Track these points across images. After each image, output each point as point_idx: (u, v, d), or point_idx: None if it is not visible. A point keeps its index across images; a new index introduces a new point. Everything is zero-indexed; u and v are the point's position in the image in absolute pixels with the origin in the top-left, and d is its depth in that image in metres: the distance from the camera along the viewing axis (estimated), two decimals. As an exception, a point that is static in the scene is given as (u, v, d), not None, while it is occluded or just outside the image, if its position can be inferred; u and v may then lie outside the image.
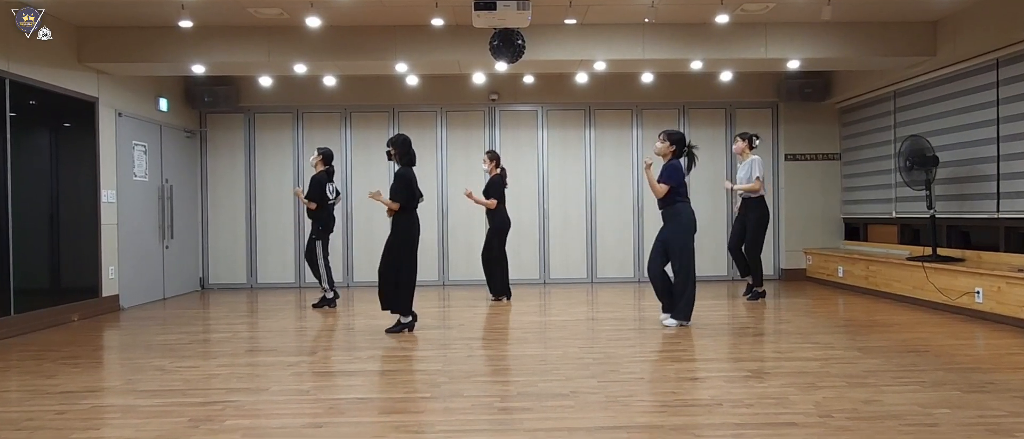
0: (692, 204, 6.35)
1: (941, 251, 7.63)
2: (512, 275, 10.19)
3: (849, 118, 10.12)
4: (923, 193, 7.62)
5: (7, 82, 6.52)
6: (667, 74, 9.77)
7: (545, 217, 10.35)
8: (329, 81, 9.64)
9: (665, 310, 6.41)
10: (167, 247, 9.30)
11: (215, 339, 6.37)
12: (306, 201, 7.93)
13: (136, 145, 8.67)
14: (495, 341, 6.08)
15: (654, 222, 10.28)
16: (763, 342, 5.76)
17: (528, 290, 9.48)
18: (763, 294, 8.19)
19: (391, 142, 6.38)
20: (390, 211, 6.23)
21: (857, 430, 3.45)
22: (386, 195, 6.28)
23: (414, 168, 6.37)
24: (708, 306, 7.75)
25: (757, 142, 8.13)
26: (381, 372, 4.88)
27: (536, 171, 10.35)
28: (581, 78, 9.58)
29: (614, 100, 10.29)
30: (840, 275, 9.29)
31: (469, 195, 8.30)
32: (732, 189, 8.13)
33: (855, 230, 10.13)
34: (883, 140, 9.17)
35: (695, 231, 6.29)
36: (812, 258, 10.16)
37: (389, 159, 6.41)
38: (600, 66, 8.35)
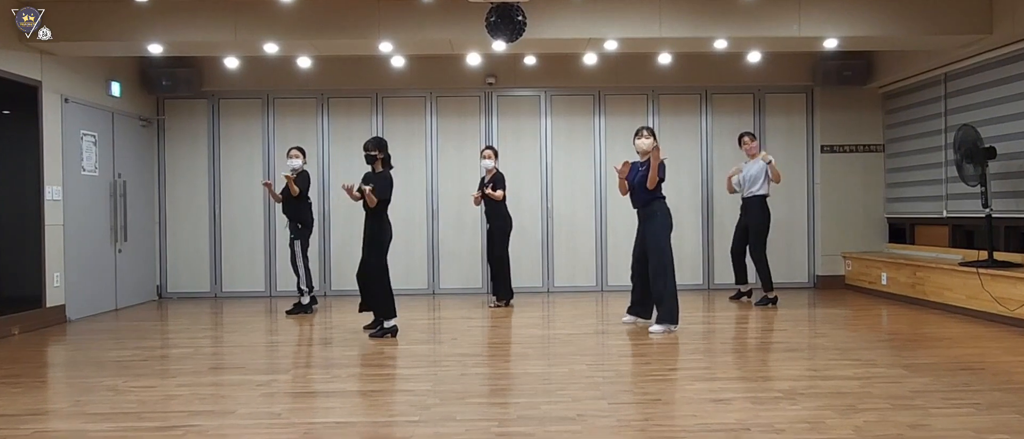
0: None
1: (998, 255, 7.64)
2: (514, 282, 10.22)
3: (894, 105, 10.13)
4: (977, 189, 7.63)
5: (-62, 64, 6.53)
6: (687, 54, 9.77)
7: (549, 217, 10.35)
8: (304, 63, 9.64)
9: (629, 311, 7.03)
10: (120, 251, 9.31)
11: (175, 355, 6.37)
12: (293, 186, 8.09)
13: (85, 135, 8.67)
14: (492, 357, 6.08)
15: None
16: (795, 358, 5.76)
17: (530, 299, 9.48)
18: (775, 300, 8.54)
19: (375, 146, 6.79)
20: (369, 201, 6.54)
21: (902, 458, 3.46)
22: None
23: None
24: (732, 317, 7.76)
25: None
26: (363, 392, 4.88)
27: (539, 164, 10.35)
28: (589, 59, 9.57)
29: (627, 84, 10.30)
30: (883, 282, 9.30)
31: (479, 198, 8.79)
32: (769, 163, 8.43)
33: (900, 231, 10.14)
34: (932, 130, 9.18)
35: (672, 229, 6.80)
36: (851, 263, 10.18)
37: (370, 162, 6.79)
38: (611, 45, 8.35)
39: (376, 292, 6.74)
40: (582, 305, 9.02)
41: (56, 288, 8.08)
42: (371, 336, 6.72)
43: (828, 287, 10.32)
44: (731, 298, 9.08)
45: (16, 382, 5.30)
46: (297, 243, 8.23)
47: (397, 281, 10.16)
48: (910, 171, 9.74)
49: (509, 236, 8.77)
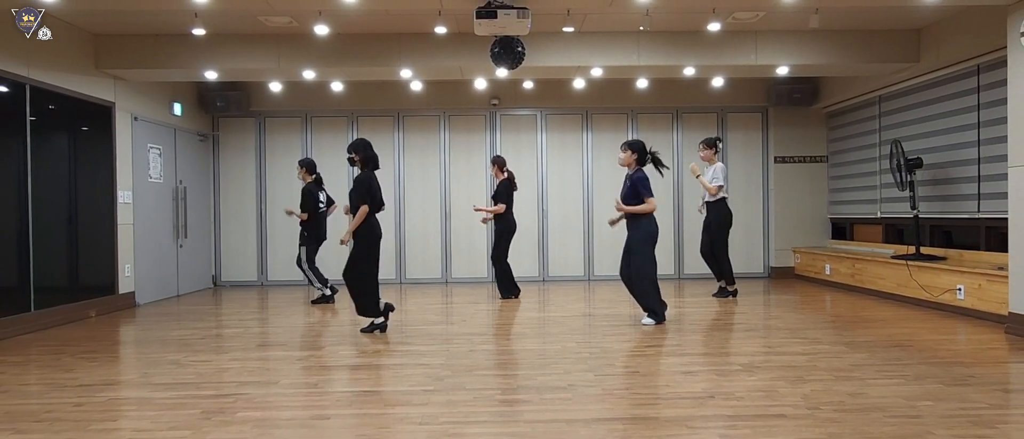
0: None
1: (924, 250, 7.64)
2: (513, 273, 10.20)
3: (836, 122, 10.12)
4: (907, 194, 7.62)
5: (27, 88, 6.53)
6: (661, 80, 9.77)
7: (544, 217, 10.34)
8: (337, 86, 9.64)
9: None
10: (181, 246, 9.30)
11: (227, 334, 6.37)
12: (300, 214, 8.04)
13: (151, 148, 8.67)
14: (496, 336, 6.08)
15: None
16: (753, 337, 5.76)
17: (528, 287, 9.47)
18: (734, 292, 8.16)
19: (354, 147, 6.04)
20: (353, 214, 5.95)
21: (843, 422, 3.45)
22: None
23: (377, 172, 6.10)
24: (700, 303, 7.76)
25: (720, 145, 8.19)
26: (386, 366, 4.88)
27: (535, 173, 10.34)
28: (579, 84, 9.57)
29: (610, 105, 10.29)
30: (827, 273, 9.29)
31: (478, 210, 8.47)
32: (698, 177, 7.94)
33: (842, 229, 10.13)
34: (869, 143, 9.16)
35: (656, 238, 6.27)
36: (800, 256, 10.16)
37: (352, 164, 6.10)
38: (597, 72, 8.34)
39: (359, 290, 5.98)
40: (572, 292, 9.01)
41: (127, 277, 8.08)
42: (361, 331, 6.10)
43: (780, 277, 10.31)
44: (715, 294, 8.23)
45: (93, 357, 5.30)
46: (302, 249, 8.11)
47: (416, 272, 10.27)
48: (849, 178, 9.73)
49: (507, 240, 8.19)
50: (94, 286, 7.56)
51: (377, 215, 6.03)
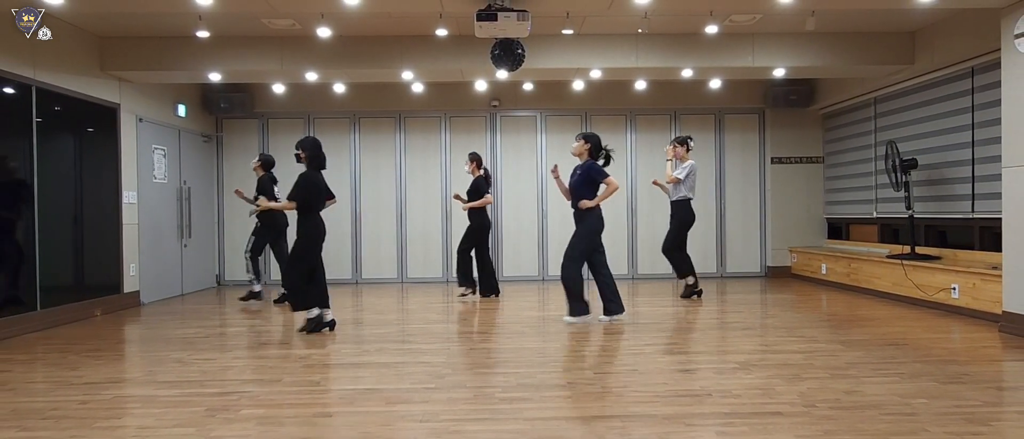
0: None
1: (919, 249, 7.63)
2: (513, 273, 10.22)
3: (832, 123, 10.12)
4: (902, 194, 7.62)
5: (33, 89, 6.53)
6: (659, 82, 9.76)
7: (544, 217, 10.34)
8: (339, 88, 9.64)
9: (605, 312, 6.35)
10: (185, 245, 9.30)
11: (231, 333, 6.37)
12: (261, 200, 7.48)
13: (156, 149, 8.67)
14: (496, 335, 6.08)
15: (646, 222, 10.30)
16: (750, 336, 5.76)
17: (527, 287, 9.47)
18: (700, 292, 7.93)
19: (300, 145, 6.02)
20: (283, 209, 5.91)
21: (839, 419, 3.45)
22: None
23: (323, 172, 6.08)
24: (692, 304, 7.75)
25: (692, 143, 7.91)
26: (388, 364, 4.88)
27: (535, 173, 10.34)
28: (578, 85, 9.57)
29: (609, 106, 10.29)
30: (823, 272, 9.29)
31: (457, 197, 8.33)
32: (664, 182, 7.86)
33: (838, 229, 10.13)
34: (864, 144, 9.16)
35: (601, 232, 6.28)
36: (797, 256, 10.16)
37: (298, 161, 6.05)
38: (596, 74, 8.34)
39: (289, 281, 5.94)
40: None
41: (132, 277, 8.08)
42: (299, 330, 6.01)
43: (777, 276, 10.31)
44: (682, 295, 7.99)
45: (98, 355, 5.30)
46: (252, 239, 8.11)
47: (417, 271, 10.27)
48: (845, 179, 9.73)
49: (474, 237, 8.02)
50: (99, 285, 7.56)
51: (321, 213, 6.01)
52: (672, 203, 7.88)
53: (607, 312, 6.35)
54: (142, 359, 5.29)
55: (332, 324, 6.10)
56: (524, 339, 5.76)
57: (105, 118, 7.74)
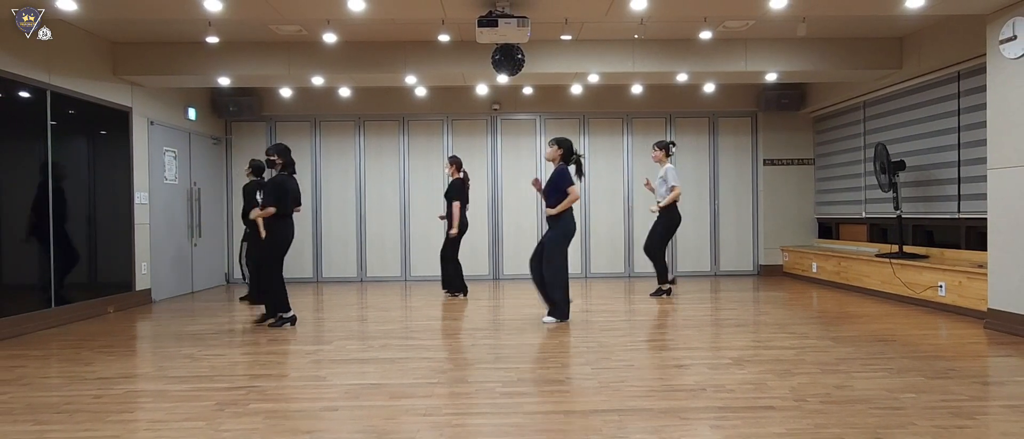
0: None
1: (907, 248, 7.64)
2: (512, 272, 10.23)
3: (822, 126, 10.12)
4: (890, 195, 7.62)
5: (48, 93, 6.53)
6: (655, 86, 9.77)
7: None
8: (344, 92, 9.64)
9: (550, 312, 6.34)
10: (195, 244, 9.30)
11: (239, 329, 6.37)
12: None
13: (166, 151, 8.67)
14: (496, 331, 6.08)
15: (643, 222, 10.31)
16: (743, 332, 5.76)
17: (527, 285, 9.47)
18: (669, 291, 7.96)
19: (276, 151, 6.12)
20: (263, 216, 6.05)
21: (830, 413, 3.46)
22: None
23: (295, 176, 6.20)
24: (691, 299, 7.76)
25: (674, 149, 8.04)
26: (392, 360, 4.88)
27: (535, 175, 10.34)
28: (576, 89, 9.58)
29: (606, 109, 10.29)
30: (814, 271, 9.29)
31: (442, 217, 8.31)
32: (657, 205, 7.83)
33: (828, 229, 10.13)
34: (854, 147, 9.17)
35: (573, 236, 6.30)
36: (788, 255, 10.16)
37: (271, 167, 6.18)
38: (594, 78, 8.34)
39: (267, 289, 6.16)
40: (569, 289, 8.97)
41: (143, 275, 8.08)
42: (270, 326, 6.17)
43: (769, 274, 10.31)
44: (652, 294, 8.04)
45: (110, 351, 5.30)
46: (244, 244, 8.00)
47: (419, 270, 10.27)
48: (835, 180, 9.73)
49: (449, 238, 8.02)
50: (112, 283, 7.56)
51: (293, 216, 6.14)
52: (662, 207, 7.88)
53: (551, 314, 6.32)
54: (153, 355, 5.29)
55: (293, 320, 6.28)
56: (524, 335, 5.76)
57: (117, 121, 7.74)
